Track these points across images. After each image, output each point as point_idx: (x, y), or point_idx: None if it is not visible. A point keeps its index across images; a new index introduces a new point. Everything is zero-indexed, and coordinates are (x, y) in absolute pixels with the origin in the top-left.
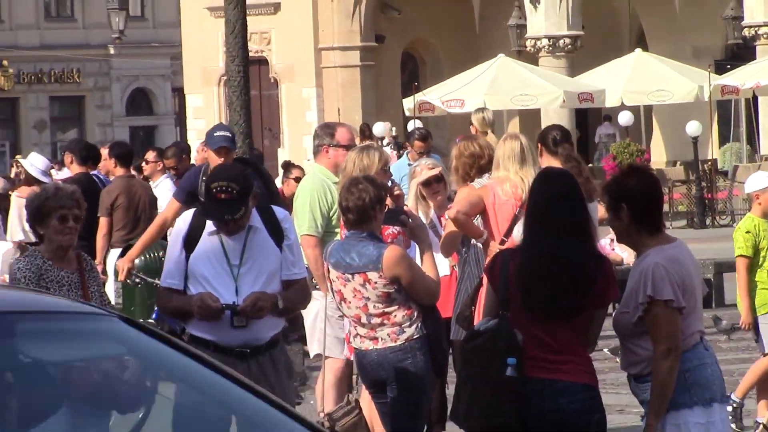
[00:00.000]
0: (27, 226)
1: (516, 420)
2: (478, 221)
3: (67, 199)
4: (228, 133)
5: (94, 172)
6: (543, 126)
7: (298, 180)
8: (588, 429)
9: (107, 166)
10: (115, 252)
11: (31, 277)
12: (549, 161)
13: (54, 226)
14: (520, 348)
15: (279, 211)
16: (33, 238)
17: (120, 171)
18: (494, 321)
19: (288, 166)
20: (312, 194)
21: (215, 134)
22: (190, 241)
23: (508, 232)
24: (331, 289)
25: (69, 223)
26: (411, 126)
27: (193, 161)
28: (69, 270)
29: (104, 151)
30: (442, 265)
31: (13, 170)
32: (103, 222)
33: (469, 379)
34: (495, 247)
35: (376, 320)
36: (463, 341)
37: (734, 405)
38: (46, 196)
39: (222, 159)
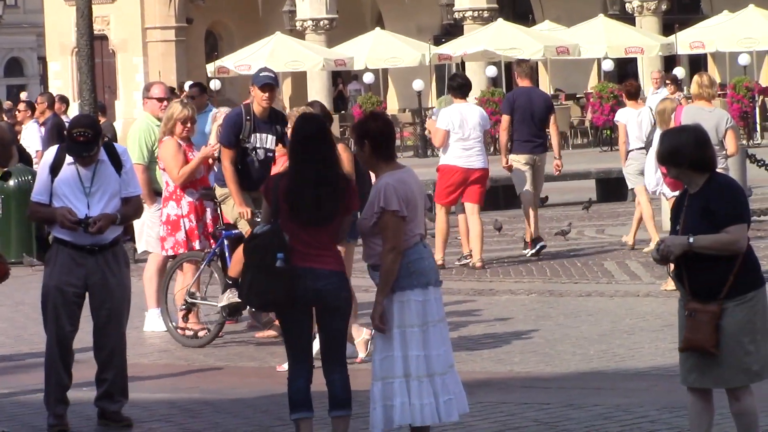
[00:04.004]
0: None
1: (285, 297)
2: None
3: None
4: (272, 74)
5: None
6: (309, 85)
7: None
8: (338, 302)
9: None
10: None
11: None
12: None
13: None
14: (287, 246)
15: (119, 147)
16: None
17: None
18: (268, 226)
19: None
20: (140, 133)
21: (261, 74)
22: (55, 168)
23: None
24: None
25: None
26: (213, 84)
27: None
28: None
29: None
30: None
31: None
32: None
33: (250, 268)
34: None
35: None
36: (245, 241)
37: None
38: None
39: (267, 95)
